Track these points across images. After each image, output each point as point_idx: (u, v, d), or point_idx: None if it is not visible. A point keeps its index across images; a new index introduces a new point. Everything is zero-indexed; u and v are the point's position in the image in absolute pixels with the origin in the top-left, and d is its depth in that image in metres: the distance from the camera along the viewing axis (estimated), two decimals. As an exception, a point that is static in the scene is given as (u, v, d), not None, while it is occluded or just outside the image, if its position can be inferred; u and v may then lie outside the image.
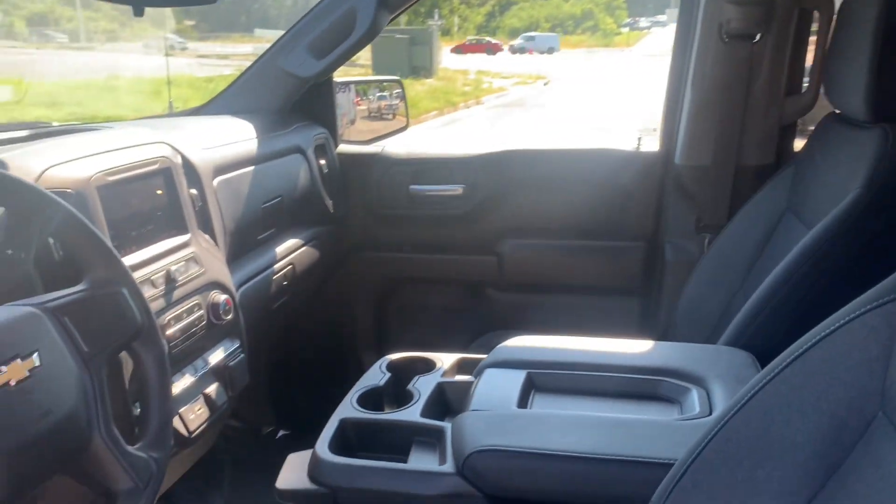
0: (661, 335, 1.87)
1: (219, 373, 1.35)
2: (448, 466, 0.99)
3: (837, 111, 1.51)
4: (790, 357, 0.74)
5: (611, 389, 1.16)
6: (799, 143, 1.85)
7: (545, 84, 21.75)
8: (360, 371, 2.26)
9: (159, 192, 1.31)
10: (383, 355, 1.35)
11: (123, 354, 1.08)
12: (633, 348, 1.26)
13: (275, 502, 1.83)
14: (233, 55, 23.67)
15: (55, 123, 1.64)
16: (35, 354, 0.77)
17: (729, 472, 0.77)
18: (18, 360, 0.75)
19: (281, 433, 2.29)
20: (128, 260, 1.18)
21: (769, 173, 1.70)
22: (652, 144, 1.98)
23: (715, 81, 1.76)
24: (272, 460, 2.17)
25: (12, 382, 0.73)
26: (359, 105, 2.68)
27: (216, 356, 1.36)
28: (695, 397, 1.10)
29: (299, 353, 2.24)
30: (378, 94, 3.10)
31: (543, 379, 1.19)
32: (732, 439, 0.77)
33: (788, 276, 1.27)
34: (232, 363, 1.37)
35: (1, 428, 0.71)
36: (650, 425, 1.01)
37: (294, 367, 2.24)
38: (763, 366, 1.18)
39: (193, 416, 1.25)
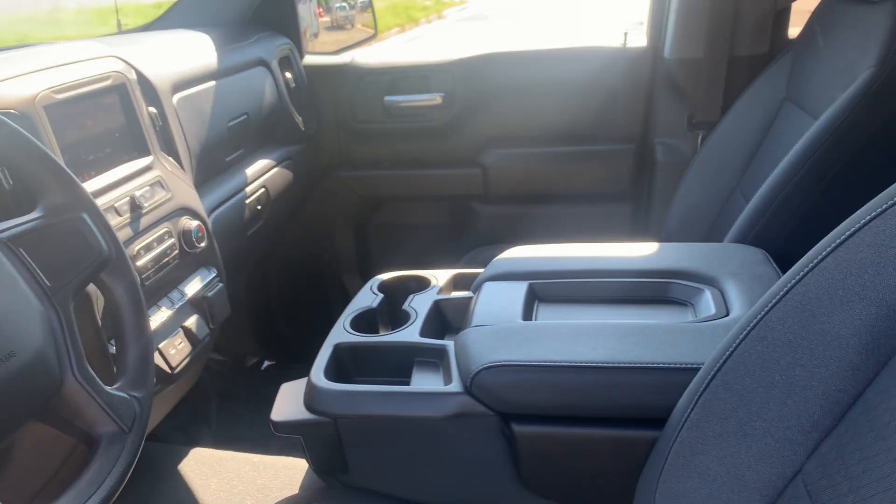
0: (655, 239, 1.82)
1: (197, 304, 1.26)
2: (455, 386, 0.93)
3: None
4: (831, 245, 0.67)
5: (618, 295, 1.10)
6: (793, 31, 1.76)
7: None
8: (344, 295, 2.21)
9: (115, 111, 1.19)
10: (366, 278, 1.27)
11: (94, 290, 1.00)
12: (638, 251, 1.19)
13: (263, 433, 1.78)
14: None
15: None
16: None
17: (765, 373, 0.71)
18: None
19: (266, 364, 2.23)
20: (86, 186, 1.08)
21: (764, 63, 1.61)
22: (638, 39, 1.87)
23: None
24: (259, 392, 2.12)
25: None
26: (321, 17, 2.53)
27: (193, 287, 1.27)
28: (708, 298, 1.04)
29: (279, 281, 2.16)
30: (338, 5, 2.92)
31: (546, 289, 1.12)
32: (767, 338, 0.71)
33: (797, 167, 1.20)
34: (210, 294, 1.29)
35: None
36: (666, 330, 0.95)
37: (274, 295, 2.16)
38: (776, 262, 1.13)
39: (174, 351, 1.17)
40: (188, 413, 1.85)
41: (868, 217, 0.65)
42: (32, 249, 0.75)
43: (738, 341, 0.73)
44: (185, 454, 1.45)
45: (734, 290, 1.03)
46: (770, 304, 0.71)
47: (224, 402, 1.98)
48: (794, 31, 1.74)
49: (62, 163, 0.83)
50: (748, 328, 0.72)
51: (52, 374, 0.73)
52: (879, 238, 0.64)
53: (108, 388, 0.79)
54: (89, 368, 0.77)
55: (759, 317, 0.71)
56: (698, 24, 1.68)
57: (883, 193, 0.65)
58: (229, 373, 2.14)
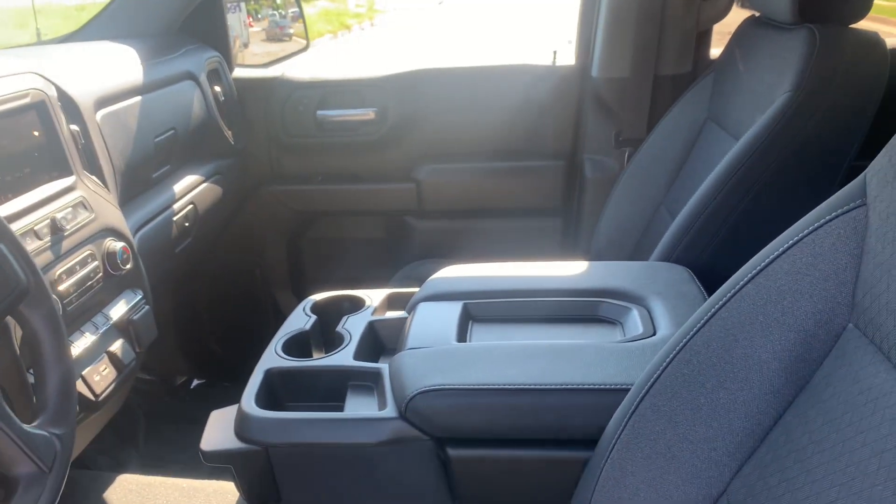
0: (584, 253, 1.85)
1: (123, 328, 1.23)
2: (389, 411, 0.93)
3: (757, 14, 1.47)
4: (751, 272, 0.70)
5: (550, 314, 1.12)
6: (715, 51, 1.82)
7: (440, 3, 21.31)
8: (276, 312, 2.18)
9: (34, 130, 1.15)
10: (301, 294, 1.26)
11: (9, 319, 0.95)
12: (568, 270, 1.22)
13: (193, 455, 1.74)
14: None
15: None
16: None
17: (690, 396, 0.74)
18: None
19: (195, 382, 2.17)
20: (4, 209, 1.03)
21: (687, 82, 1.67)
22: (567, 57, 1.91)
23: None
24: (188, 412, 2.07)
25: None
26: (251, 27, 2.49)
27: (118, 310, 1.23)
28: (636, 317, 1.07)
29: (208, 298, 2.11)
30: (271, 14, 2.89)
31: (481, 308, 1.13)
32: (693, 361, 0.73)
33: (719, 188, 1.24)
34: (136, 317, 1.25)
35: None
36: (595, 350, 0.97)
37: (203, 312, 2.11)
38: (700, 279, 1.17)
39: (99, 378, 1.13)
40: (115, 436, 1.79)
41: (785, 245, 0.68)
42: None
43: (664, 364, 0.75)
44: (112, 481, 1.40)
45: (660, 310, 1.06)
46: (695, 329, 0.73)
47: (152, 423, 1.93)
48: (716, 51, 1.81)
49: None
50: (674, 352, 0.74)
51: None
52: (796, 266, 0.67)
53: (25, 427, 0.75)
54: (5, 407, 0.73)
55: (685, 341, 0.74)
56: (624, 44, 1.73)
57: (799, 222, 0.69)
58: (157, 392, 2.08)
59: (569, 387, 0.90)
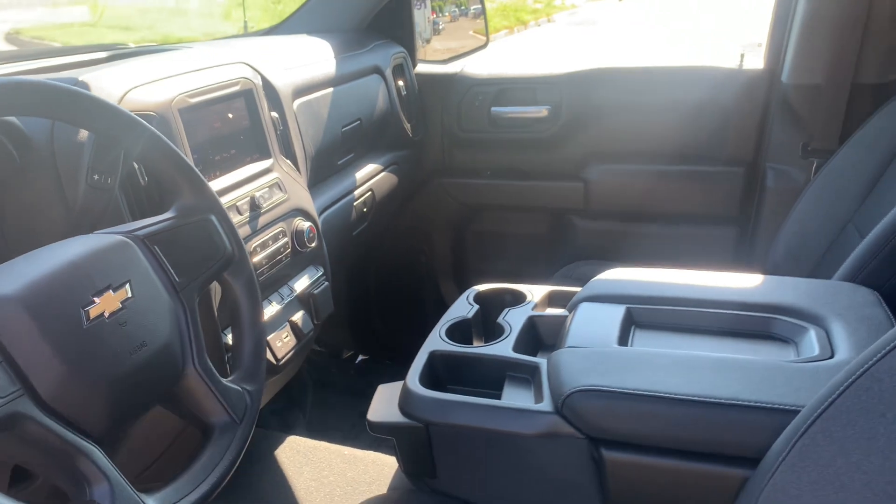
0: (758, 267, 1.77)
1: (304, 300, 1.33)
2: (546, 405, 0.95)
3: None
4: None
5: (719, 327, 1.08)
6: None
7: (619, 0, 20.82)
8: (439, 298, 2.25)
9: (241, 115, 1.27)
10: (462, 284, 1.30)
11: (212, 284, 1.07)
12: (742, 282, 1.17)
13: (354, 424, 1.84)
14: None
15: (132, 45, 1.61)
16: (127, 285, 0.74)
17: (868, 425, 0.70)
18: (111, 292, 0.72)
19: (360, 358, 2.30)
20: (212, 186, 1.15)
21: (891, 93, 1.54)
22: (756, 61, 1.82)
23: None
24: (352, 384, 2.19)
25: (106, 314, 0.71)
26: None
27: (301, 284, 1.34)
28: (813, 337, 1.01)
29: (377, 280, 2.22)
30: (453, 10, 2.98)
31: (644, 314, 1.12)
32: (874, 389, 0.69)
33: None
34: (317, 291, 1.35)
35: (97, 361, 0.69)
36: (767, 367, 0.93)
37: (372, 293, 2.23)
38: (888, 304, 1.09)
39: (281, 344, 1.24)
40: (285, 399, 1.94)
41: None
42: (165, 247, 0.82)
43: (842, 389, 0.71)
44: (281, 441, 1.52)
45: (840, 332, 1.00)
46: (879, 355, 0.69)
47: (319, 391, 2.06)
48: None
49: (195, 168, 0.90)
50: (854, 377, 0.71)
51: (176, 365, 0.79)
52: None
53: (223, 381, 0.85)
54: (208, 361, 0.83)
55: (866, 367, 0.70)
56: (820, 48, 1.62)
57: None
58: (326, 363, 2.22)
59: (735, 402, 0.87)
